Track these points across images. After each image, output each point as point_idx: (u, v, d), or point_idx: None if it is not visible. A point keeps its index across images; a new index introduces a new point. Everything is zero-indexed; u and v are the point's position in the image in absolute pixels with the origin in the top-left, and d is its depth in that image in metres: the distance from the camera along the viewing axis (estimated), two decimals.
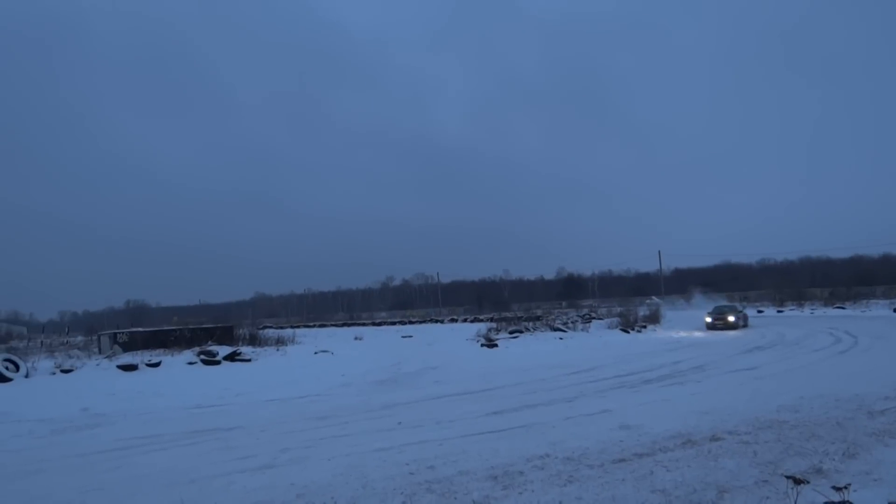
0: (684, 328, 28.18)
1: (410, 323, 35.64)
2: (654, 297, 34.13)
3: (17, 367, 13.90)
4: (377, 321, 38.04)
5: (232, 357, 17.14)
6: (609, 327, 27.45)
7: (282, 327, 30.81)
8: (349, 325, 36.21)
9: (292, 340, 22.66)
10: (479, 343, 21.29)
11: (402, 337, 24.31)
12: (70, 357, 17.27)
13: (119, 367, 15.11)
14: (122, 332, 21.16)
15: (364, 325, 35.15)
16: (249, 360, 17.21)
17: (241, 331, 24.19)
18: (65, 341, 25.42)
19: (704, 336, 23.48)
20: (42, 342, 24.90)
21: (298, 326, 32.22)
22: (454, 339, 23.09)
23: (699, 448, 6.19)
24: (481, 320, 32.64)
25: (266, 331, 27.37)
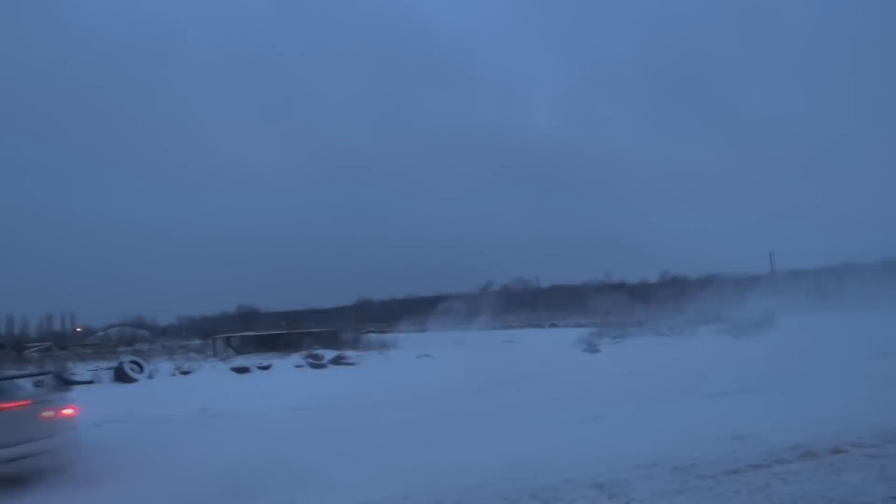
0: (799, 333, 26.57)
1: (511, 328, 35.51)
2: (766, 301, 32.35)
3: (142, 369, 14.92)
4: (477, 326, 38.18)
5: (337, 361, 17.71)
6: (718, 332, 26.28)
7: (384, 331, 31.56)
8: (450, 330, 36.56)
9: (394, 345, 23.12)
10: (581, 348, 20.98)
11: (504, 342, 24.29)
12: (188, 360, 18.33)
13: (233, 369, 15.93)
14: (235, 336, 22.32)
15: (464, 329, 35.36)
16: (354, 364, 17.71)
17: (345, 335, 24.93)
18: (183, 345, 26.96)
19: (819, 341, 22.04)
20: (163, 345, 26.57)
21: (400, 331, 32.86)
22: (555, 344, 22.86)
23: (820, 460, 5.85)
24: (583, 325, 32.12)
25: (369, 335, 28.05)
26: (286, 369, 16.61)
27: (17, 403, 6.85)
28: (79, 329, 42.62)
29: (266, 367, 16.43)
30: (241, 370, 15.86)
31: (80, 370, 14.59)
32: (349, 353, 19.39)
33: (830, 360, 15.74)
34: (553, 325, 36.45)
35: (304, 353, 18.63)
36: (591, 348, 20.69)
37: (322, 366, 17.16)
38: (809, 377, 12.58)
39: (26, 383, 9.06)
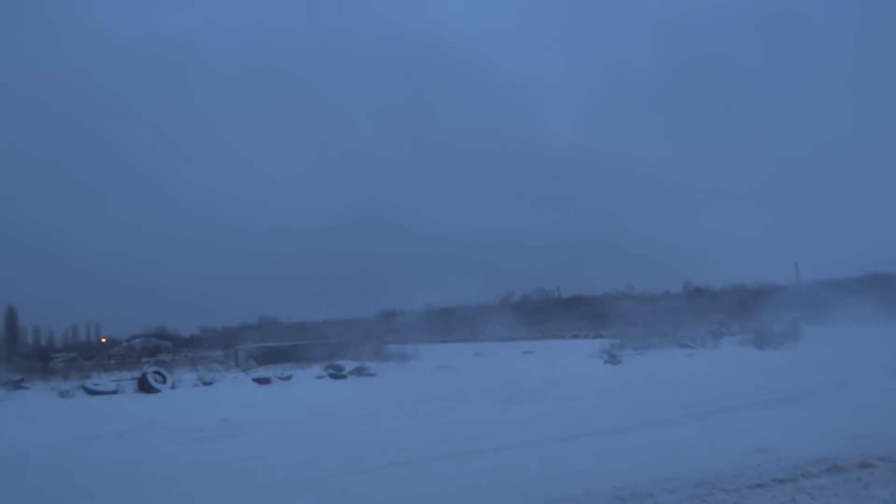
0: (825, 344, 26.16)
1: (531, 339, 35.32)
2: (791, 312, 31.88)
3: (165, 379, 15.03)
4: (498, 337, 37.99)
5: (358, 372, 17.71)
6: (741, 344, 25.92)
7: (404, 343, 31.59)
8: (470, 340, 36.46)
9: (414, 356, 23.10)
10: (603, 360, 20.79)
11: (524, 353, 24.13)
12: (210, 370, 18.45)
13: (254, 380, 15.99)
14: (257, 347, 22.46)
15: (484, 341, 35.25)
16: (374, 375, 17.70)
17: (366, 346, 24.97)
18: (205, 355, 27.19)
19: (846, 353, 21.68)
20: (185, 356, 26.81)
21: (420, 342, 32.86)
22: (576, 355, 22.69)
23: (847, 475, 5.73)
24: (604, 336, 31.87)
25: (389, 346, 28.07)
26: (307, 380, 16.64)
27: None
28: (103, 339, 43.21)
29: (287, 378, 16.48)
30: (263, 381, 15.92)
31: (104, 380, 14.75)
32: (370, 364, 19.40)
33: (857, 372, 15.49)
34: (574, 336, 36.21)
35: (325, 364, 18.67)
36: (613, 360, 20.49)
37: (343, 377, 17.18)
38: (835, 389, 12.38)
39: None
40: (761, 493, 5.29)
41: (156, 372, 15.24)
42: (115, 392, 13.88)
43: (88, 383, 14.03)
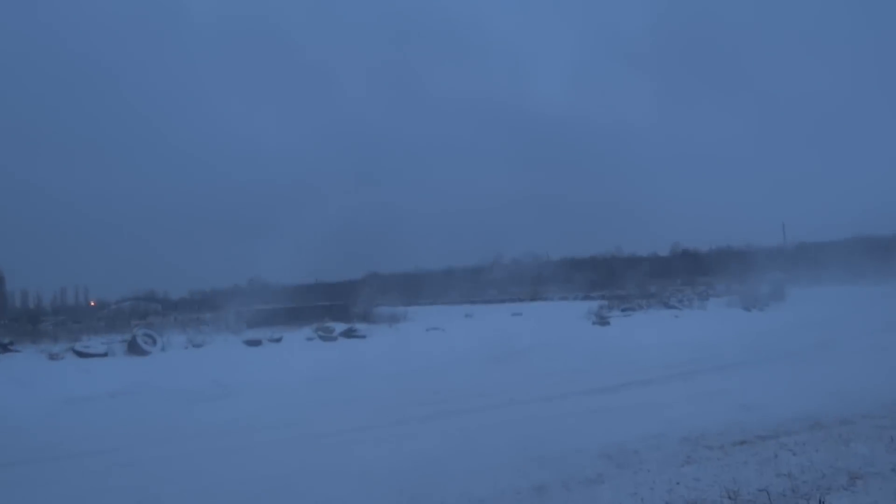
0: (811, 305, 26.49)
1: (520, 301, 35.49)
2: (777, 273, 32.14)
3: (155, 342, 15.02)
4: (487, 299, 38.18)
5: (348, 334, 17.79)
6: (728, 305, 26.18)
7: (394, 305, 31.66)
8: (459, 303, 36.62)
9: (404, 318, 23.20)
10: (591, 321, 20.96)
11: (512, 315, 24.29)
12: (200, 333, 18.45)
13: (245, 342, 16.04)
14: (247, 309, 22.47)
15: (474, 302, 35.42)
16: (364, 337, 17.78)
17: (355, 308, 25.02)
18: (195, 318, 27.13)
19: (831, 313, 21.96)
20: (175, 318, 26.75)
21: (410, 304, 32.96)
22: (565, 316, 22.87)
23: (829, 431, 5.86)
24: (593, 298, 32.09)
25: (379, 308, 28.14)
26: (297, 342, 16.70)
27: None
28: (92, 303, 43.00)
29: (277, 340, 16.54)
30: (253, 343, 15.97)
31: (94, 343, 14.73)
32: (360, 326, 19.47)
33: (841, 332, 15.71)
34: (563, 298, 36.42)
35: (315, 326, 18.72)
36: (601, 321, 20.68)
37: (333, 339, 17.25)
38: (820, 349, 12.57)
39: None
40: (745, 450, 5.41)
41: (146, 334, 15.22)
42: (105, 354, 13.88)
43: (78, 346, 14.01)
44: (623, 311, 23.72)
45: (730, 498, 4.24)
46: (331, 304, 24.03)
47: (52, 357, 13.13)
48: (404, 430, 7.00)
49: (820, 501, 3.48)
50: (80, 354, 13.53)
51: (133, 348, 14.30)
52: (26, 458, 6.63)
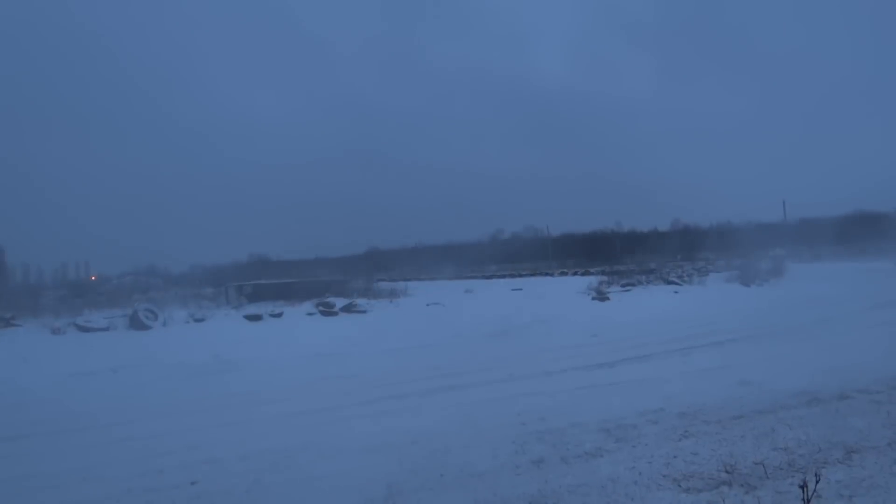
0: (810, 280, 26.53)
1: (520, 276, 35.56)
2: (777, 249, 32.18)
3: (156, 316, 15.08)
4: (487, 274, 38.25)
5: (348, 308, 17.84)
6: (727, 281, 26.23)
7: (394, 280, 31.73)
8: (459, 278, 36.71)
9: (405, 293, 23.27)
10: (590, 296, 21.01)
11: (512, 290, 24.33)
12: (201, 307, 18.50)
13: (245, 317, 16.09)
14: (248, 284, 22.51)
15: (474, 278, 35.51)
16: (364, 312, 17.83)
17: (356, 283, 25.06)
18: (196, 293, 27.17)
19: (830, 289, 22.00)
20: (176, 293, 26.79)
21: (410, 279, 33.05)
22: (564, 292, 22.92)
23: (826, 406, 5.90)
24: (592, 273, 32.14)
25: (380, 284, 28.19)
26: (298, 317, 16.76)
27: None
28: (93, 277, 43.07)
29: (278, 315, 16.59)
30: (254, 318, 16.02)
31: (95, 317, 14.79)
32: (360, 301, 19.52)
33: (840, 307, 15.76)
34: (563, 273, 36.50)
35: (316, 301, 18.77)
36: (601, 296, 20.73)
37: (333, 314, 17.31)
38: (818, 325, 12.61)
39: None
40: (742, 424, 5.45)
41: (147, 309, 15.27)
42: (106, 329, 13.95)
43: (80, 320, 14.07)
44: (623, 286, 23.76)
45: (727, 471, 4.29)
46: (331, 279, 24.07)
47: (55, 332, 13.19)
48: (404, 405, 7.04)
49: (816, 475, 3.51)
50: (82, 329, 13.60)
51: (134, 323, 14.35)
52: (29, 431, 6.68)
